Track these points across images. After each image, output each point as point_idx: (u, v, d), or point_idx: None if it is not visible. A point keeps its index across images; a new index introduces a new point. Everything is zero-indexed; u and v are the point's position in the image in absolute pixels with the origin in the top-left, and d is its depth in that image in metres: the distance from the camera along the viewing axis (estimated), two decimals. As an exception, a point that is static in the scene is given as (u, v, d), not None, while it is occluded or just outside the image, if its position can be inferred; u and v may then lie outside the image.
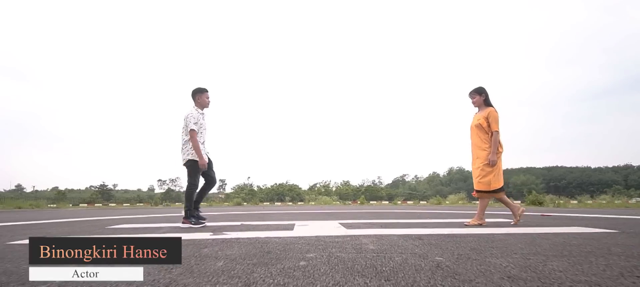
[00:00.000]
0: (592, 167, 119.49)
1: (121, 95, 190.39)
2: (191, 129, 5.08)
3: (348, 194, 70.99)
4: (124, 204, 43.37)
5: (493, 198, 5.13)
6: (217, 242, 3.46)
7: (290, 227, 5.06)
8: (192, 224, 5.22)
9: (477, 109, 5.30)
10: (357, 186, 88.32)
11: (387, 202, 53.05)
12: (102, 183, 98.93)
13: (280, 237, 3.76)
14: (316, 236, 3.89)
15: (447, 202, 26.23)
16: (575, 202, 23.70)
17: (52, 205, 36.75)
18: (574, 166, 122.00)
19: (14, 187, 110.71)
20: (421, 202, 47.37)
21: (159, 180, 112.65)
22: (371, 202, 46.12)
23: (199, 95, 5.35)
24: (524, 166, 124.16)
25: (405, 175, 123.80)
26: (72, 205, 38.54)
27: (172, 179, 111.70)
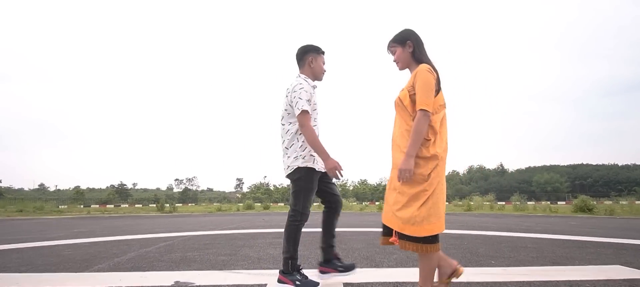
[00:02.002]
0: (619, 164, 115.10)
1: (143, 95, 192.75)
2: (303, 110, 2.67)
3: (365, 193, 69.45)
4: (137, 205, 42.72)
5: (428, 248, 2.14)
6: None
7: None
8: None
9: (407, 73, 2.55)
10: (375, 184, 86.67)
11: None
12: (120, 182, 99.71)
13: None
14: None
15: (471, 203, 24.53)
16: (609, 203, 21.57)
17: (63, 206, 36.24)
18: (600, 163, 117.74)
19: (37, 187, 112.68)
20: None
21: (176, 179, 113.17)
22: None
23: (314, 57, 2.89)
24: (548, 164, 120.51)
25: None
26: (84, 206, 37.97)
27: (189, 179, 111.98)
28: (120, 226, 9.70)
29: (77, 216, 17.98)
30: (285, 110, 2.82)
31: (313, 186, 2.74)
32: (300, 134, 2.74)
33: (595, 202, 17.95)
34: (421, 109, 2.07)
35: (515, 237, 6.04)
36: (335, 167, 2.60)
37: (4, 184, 76.91)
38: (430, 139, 2.10)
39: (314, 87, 2.87)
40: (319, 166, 2.76)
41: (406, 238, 2.08)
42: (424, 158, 2.08)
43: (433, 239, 2.06)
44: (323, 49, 2.96)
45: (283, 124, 2.86)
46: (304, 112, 2.69)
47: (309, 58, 2.89)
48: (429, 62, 2.27)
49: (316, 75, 2.92)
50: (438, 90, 2.17)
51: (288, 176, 2.81)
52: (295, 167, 2.72)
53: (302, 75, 2.87)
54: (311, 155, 2.73)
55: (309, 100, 2.73)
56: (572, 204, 17.99)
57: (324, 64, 2.95)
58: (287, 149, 2.79)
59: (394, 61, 2.39)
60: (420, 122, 2.06)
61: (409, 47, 2.30)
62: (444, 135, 2.19)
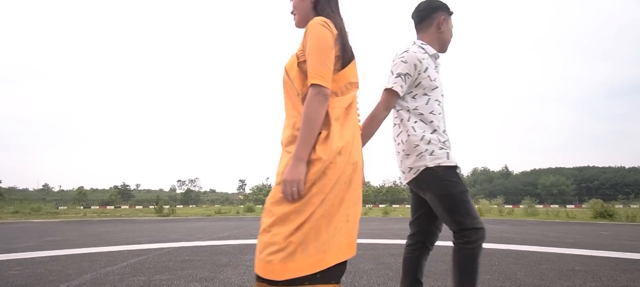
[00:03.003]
0: (627, 167, 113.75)
1: (146, 97, 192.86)
2: (387, 89, 1.87)
3: (368, 196, 68.64)
4: (137, 207, 41.91)
5: None
6: None
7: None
8: None
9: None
10: (378, 187, 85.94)
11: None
12: (123, 183, 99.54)
13: None
14: None
15: (477, 206, 23.60)
16: (620, 206, 20.50)
17: (62, 207, 35.55)
18: (607, 166, 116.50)
19: (41, 187, 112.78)
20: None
21: (179, 180, 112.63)
22: (394, 206, 43.61)
23: (441, 18, 2.00)
24: (554, 166, 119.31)
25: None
26: (84, 208, 37.28)
27: (192, 180, 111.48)
28: (100, 234, 8.84)
29: (72, 219, 17.20)
30: (386, 87, 1.94)
31: (464, 187, 1.80)
32: (416, 121, 1.86)
33: (621, 206, 17.04)
34: (313, 84, 1.33)
35: (552, 253, 5.11)
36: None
37: (8, 184, 76.73)
38: (320, 133, 1.35)
39: (436, 57, 1.99)
40: (455, 160, 1.86)
41: (262, 281, 1.29)
42: (319, 162, 1.34)
43: (312, 279, 1.27)
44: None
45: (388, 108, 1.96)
46: (389, 93, 1.86)
47: (439, 18, 1.99)
48: (329, 11, 1.48)
49: (444, 43, 2.04)
50: (348, 59, 1.43)
51: (411, 184, 1.90)
52: (421, 169, 1.82)
53: (419, 41, 1.99)
54: (441, 148, 1.83)
55: (405, 75, 1.85)
56: (587, 209, 17.02)
57: (453, 27, 2.06)
58: (403, 143, 1.90)
59: (291, 13, 1.60)
60: (313, 105, 1.33)
61: None
62: (350, 128, 1.41)
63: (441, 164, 1.79)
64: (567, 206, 37.28)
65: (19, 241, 7.18)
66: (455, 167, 1.83)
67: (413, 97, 1.90)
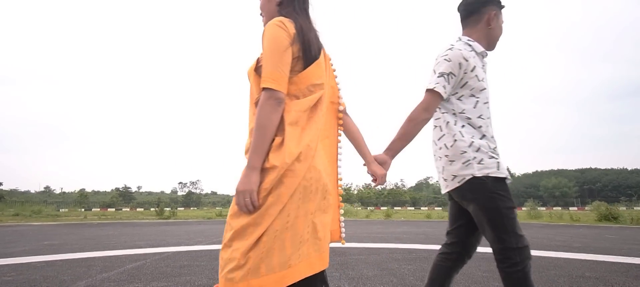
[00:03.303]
0: (629, 168, 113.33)
1: (147, 99, 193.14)
2: (429, 90, 1.72)
3: (370, 198, 68.47)
4: (138, 209, 41.80)
5: None
6: None
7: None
8: None
9: None
10: (380, 189, 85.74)
11: (413, 208, 50.25)
12: (125, 185, 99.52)
13: None
14: None
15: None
16: (623, 209, 20.26)
17: (63, 210, 35.45)
18: (609, 167, 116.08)
19: (42, 189, 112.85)
20: (449, 207, 44.22)
21: (180, 183, 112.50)
22: (395, 208, 43.44)
23: (492, 12, 1.81)
24: (556, 168, 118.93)
25: (429, 177, 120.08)
26: (85, 210, 37.19)
27: (193, 182, 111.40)
28: (99, 237, 8.74)
29: (72, 222, 17.11)
30: (427, 90, 1.78)
31: (512, 203, 1.64)
32: (463, 126, 1.70)
33: (624, 208, 16.91)
34: (265, 88, 1.26)
35: (560, 259, 4.99)
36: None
37: (10, 187, 76.70)
38: (274, 140, 1.27)
39: (483, 55, 1.82)
40: (506, 171, 1.69)
41: None
42: (273, 170, 1.25)
43: None
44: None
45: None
46: (431, 94, 1.70)
47: (490, 13, 1.81)
48: (298, 17, 1.37)
49: (493, 40, 1.86)
50: (310, 60, 1.34)
51: (454, 193, 1.74)
52: (467, 178, 1.65)
53: (465, 38, 1.82)
54: (491, 156, 1.66)
55: (448, 75, 1.68)
56: (591, 211, 16.85)
57: (503, 23, 1.88)
58: (447, 148, 1.73)
59: (260, 14, 1.56)
60: (264, 110, 1.25)
61: None
62: (313, 133, 1.31)
63: (490, 175, 1.63)
64: (570, 208, 37.06)
65: (16, 244, 7.09)
66: (505, 178, 1.67)
67: (459, 99, 1.74)
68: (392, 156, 1.77)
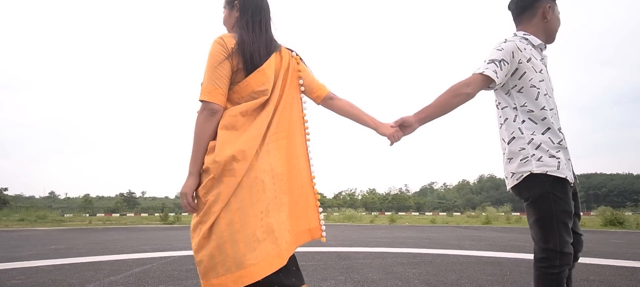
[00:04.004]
0: (635, 173, 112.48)
1: (151, 104, 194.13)
2: (477, 74, 1.69)
3: (374, 203, 68.32)
4: (143, 214, 41.91)
5: None
6: None
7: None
8: None
9: None
10: (384, 194, 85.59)
11: (417, 213, 50.08)
12: (129, 190, 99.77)
13: None
14: None
15: (484, 214, 23.37)
16: (629, 214, 20.07)
17: (68, 215, 35.65)
18: (615, 172, 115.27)
19: (47, 195, 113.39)
20: (455, 213, 44.15)
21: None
22: (400, 213, 43.34)
23: (547, 5, 1.77)
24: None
25: (433, 182, 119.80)
26: (89, 215, 37.35)
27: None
28: (105, 242, 8.80)
29: (77, 227, 17.21)
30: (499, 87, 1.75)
31: (569, 207, 1.59)
32: (523, 121, 1.66)
33: (630, 213, 16.81)
34: (200, 100, 1.39)
35: (564, 263, 5.00)
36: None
37: (14, 192, 77.08)
38: (213, 142, 1.38)
39: (541, 48, 1.78)
40: (571, 174, 1.65)
41: None
42: (202, 172, 1.38)
43: None
44: None
45: (497, 107, 1.80)
46: (479, 76, 1.66)
47: (544, 6, 1.76)
48: (244, 33, 1.47)
49: (552, 33, 1.81)
50: (252, 69, 1.43)
51: (514, 190, 1.71)
52: (525, 175, 1.62)
53: (521, 33, 1.78)
54: (552, 155, 1.60)
55: (500, 61, 1.64)
56: (596, 216, 16.76)
57: (559, 14, 1.82)
58: (507, 145, 1.70)
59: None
60: (198, 121, 1.39)
61: (235, 11, 1.56)
62: (253, 134, 1.39)
63: (549, 173, 1.58)
64: (576, 214, 36.79)
65: (23, 249, 7.15)
66: (565, 180, 1.60)
67: (519, 91, 1.69)
68: (421, 120, 1.75)
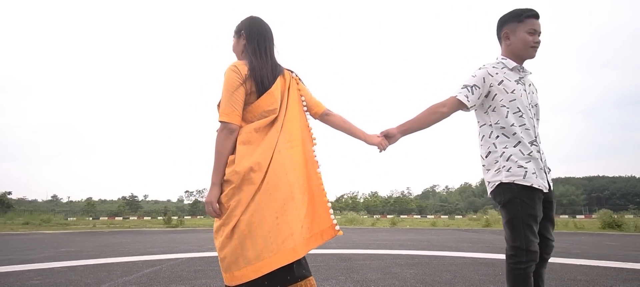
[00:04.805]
0: (637, 176, 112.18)
1: (153, 107, 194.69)
2: (451, 96, 2.01)
3: (376, 206, 68.41)
4: (145, 218, 42.12)
5: None
6: None
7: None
8: None
9: None
10: (386, 197, 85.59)
11: (419, 216, 50.18)
12: (131, 194, 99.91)
13: None
14: None
15: (486, 216, 23.55)
16: (630, 217, 20.18)
17: (72, 218, 35.86)
18: (617, 175, 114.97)
19: (50, 198, 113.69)
20: (456, 216, 44.28)
21: (186, 191, 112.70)
22: (402, 216, 43.46)
23: (510, 30, 2.01)
24: (563, 176, 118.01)
25: (435, 185, 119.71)
26: (93, 218, 37.63)
27: (199, 191, 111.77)
28: (113, 245, 9.04)
29: (81, 231, 17.44)
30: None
31: (532, 211, 1.82)
32: (497, 136, 1.93)
33: (631, 216, 16.94)
34: (220, 121, 1.65)
35: (557, 264, 5.21)
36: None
37: (17, 195, 77.36)
38: (229, 158, 1.64)
39: (518, 70, 1.98)
40: (540, 181, 1.87)
41: None
42: (223, 182, 1.64)
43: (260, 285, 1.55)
44: (531, 12, 1.97)
45: (477, 125, 2.07)
46: (454, 99, 1.97)
47: (506, 32, 2.02)
48: (253, 59, 1.72)
49: (516, 52, 2.00)
50: (263, 91, 1.68)
51: (491, 195, 1.98)
52: (496, 184, 1.90)
53: (500, 57, 2.05)
54: (520, 165, 1.86)
55: (472, 87, 1.94)
56: (596, 219, 16.90)
57: (531, 34, 1.96)
58: (484, 158, 2.00)
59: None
60: (219, 138, 1.64)
61: (243, 39, 1.82)
62: (267, 147, 1.64)
63: (516, 182, 1.84)
64: (577, 216, 36.88)
65: (34, 252, 7.38)
66: (531, 187, 1.83)
67: (493, 110, 1.95)
68: (402, 132, 2.09)
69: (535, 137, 1.94)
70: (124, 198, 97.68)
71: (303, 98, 1.84)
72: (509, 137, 1.91)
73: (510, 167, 1.86)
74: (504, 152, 1.90)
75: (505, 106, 1.92)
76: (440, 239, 10.34)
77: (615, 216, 16.45)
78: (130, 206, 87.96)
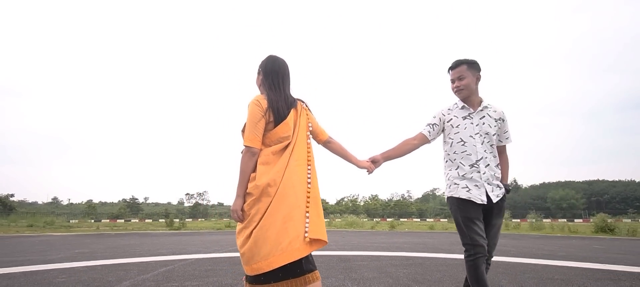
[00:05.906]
0: (637, 180, 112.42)
1: (154, 110, 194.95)
2: (419, 132, 2.66)
3: (376, 209, 68.72)
4: (147, 220, 42.48)
5: None
6: None
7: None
8: None
9: None
10: (386, 200, 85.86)
11: (419, 219, 50.48)
12: (132, 196, 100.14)
13: None
14: None
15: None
16: (627, 221, 20.56)
17: (74, 221, 36.30)
18: (617, 179, 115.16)
19: (50, 200, 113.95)
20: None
21: (187, 194, 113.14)
22: (401, 219, 43.81)
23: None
24: (563, 180, 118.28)
25: (435, 189, 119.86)
26: (95, 221, 38.00)
27: (200, 193, 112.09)
28: (123, 246, 9.45)
29: (85, 233, 17.83)
30: None
31: (467, 214, 2.36)
32: (447, 162, 2.57)
33: (628, 220, 17.28)
34: (245, 145, 2.05)
35: (539, 265, 5.62)
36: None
37: (18, 198, 77.71)
38: (251, 175, 2.04)
39: (466, 109, 2.52)
40: (474, 194, 2.39)
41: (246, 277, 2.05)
42: (246, 194, 2.05)
43: (258, 280, 1.96)
44: (450, 65, 2.56)
45: None
46: (420, 134, 2.63)
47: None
48: (270, 93, 2.13)
49: (459, 97, 2.58)
50: (279, 121, 2.07)
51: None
52: (446, 198, 2.56)
53: (457, 100, 2.61)
54: (455, 183, 2.47)
55: (432, 125, 2.61)
56: (591, 223, 17.27)
57: (452, 82, 2.53)
58: (444, 178, 2.62)
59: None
60: (243, 159, 2.05)
61: (260, 75, 2.24)
62: (280, 166, 2.05)
63: (453, 195, 2.45)
64: (576, 220, 37.27)
65: (51, 253, 7.77)
66: (463, 199, 2.39)
67: (445, 142, 2.59)
68: (385, 158, 2.63)
69: (478, 160, 2.46)
70: (124, 200, 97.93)
71: (310, 126, 2.26)
72: (452, 162, 2.53)
73: (450, 185, 2.50)
74: (448, 174, 2.55)
75: (452, 138, 2.54)
76: (436, 242, 10.74)
77: (610, 220, 16.85)
78: (131, 208, 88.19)
